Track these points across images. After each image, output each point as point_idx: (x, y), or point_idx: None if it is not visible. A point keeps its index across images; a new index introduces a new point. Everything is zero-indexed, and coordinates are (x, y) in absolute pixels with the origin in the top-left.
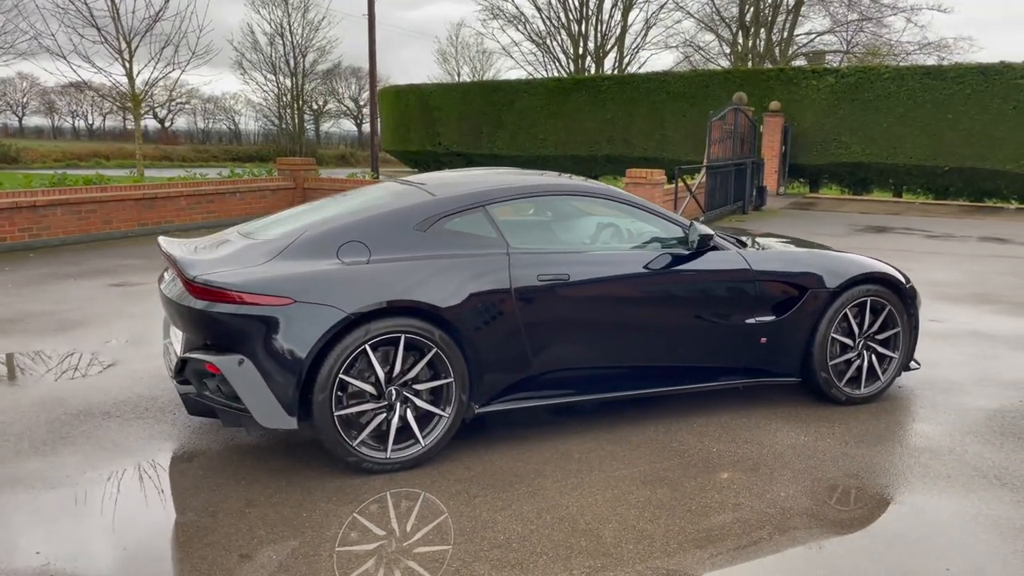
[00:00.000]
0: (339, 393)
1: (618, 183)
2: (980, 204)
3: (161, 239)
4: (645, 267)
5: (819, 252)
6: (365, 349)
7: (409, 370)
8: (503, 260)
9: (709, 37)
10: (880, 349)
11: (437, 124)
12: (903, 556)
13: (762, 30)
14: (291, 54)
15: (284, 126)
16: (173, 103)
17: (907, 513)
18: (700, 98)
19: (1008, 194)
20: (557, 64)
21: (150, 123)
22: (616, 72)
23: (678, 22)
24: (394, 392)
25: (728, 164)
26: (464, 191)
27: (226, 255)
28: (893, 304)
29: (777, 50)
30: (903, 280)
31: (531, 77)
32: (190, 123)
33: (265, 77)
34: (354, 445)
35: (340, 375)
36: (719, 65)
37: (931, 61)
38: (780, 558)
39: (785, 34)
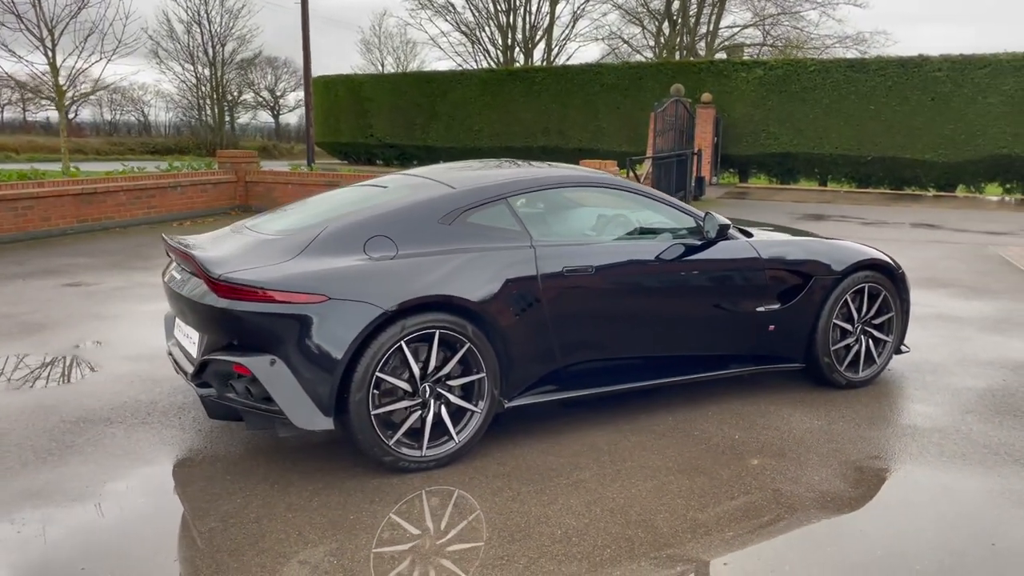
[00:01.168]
0: (375, 391)
1: None
2: (900, 192)
3: (167, 236)
4: (664, 257)
5: (821, 240)
6: (401, 346)
7: (443, 366)
8: (529, 253)
9: (635, 30)
10: (876, 334)
11: (369, 115)
12: (948, 534)
13: (689, 22)
14: (210, 43)
15: (204, 118)
16: (80, 95)
17: (938, 492)
18: (633, 90)
19: (926, 182)
20: (487, 55)
21: (52, 115)
22: (545, 63)
23: (604, 15)
24: (428, 389)
25: (671, 155)
26: (484, 183)
27: (247, 252)
28: (888, 290)
29: (703, 43)
30: (896, 266)
31: (464, 68)
32: (96, 115)
33: (183, 67)
34: (391, 444)
35: (376, 373)
36: (644, 57)
37: (851, 54)
38: (834, 542)
39: (711, 27)
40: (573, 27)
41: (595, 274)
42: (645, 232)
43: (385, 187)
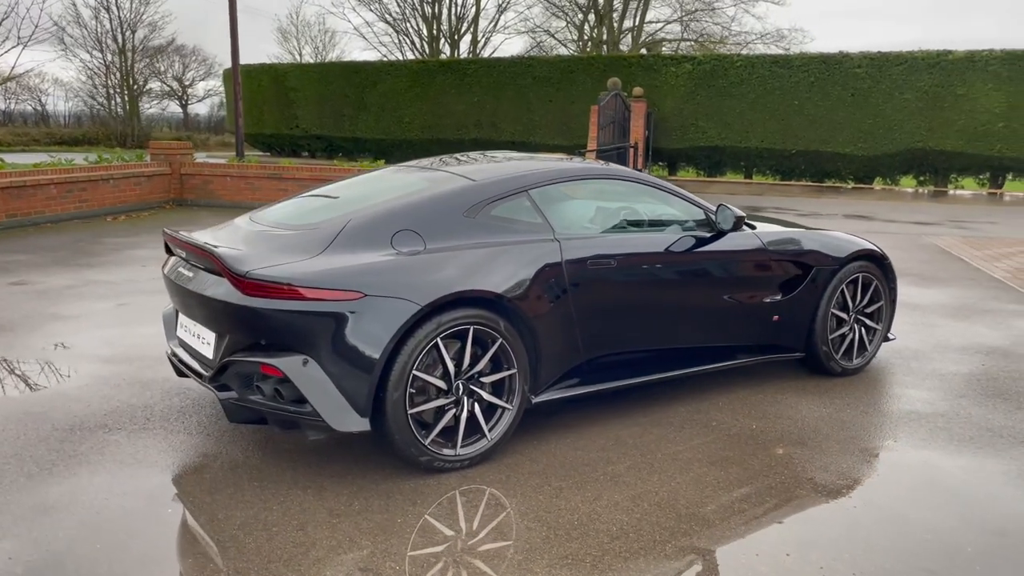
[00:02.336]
0: (411, 390)
1: None
2: (822, 184)
3: (169, 231)
4: (680, 249)
5: (819, 231)
6: (436, 343)
7: (476, 362)
8: (555, 246)
9: (560, 23)
10: (868, 322)
11: (294, 106)
12: (987, 515)
13: (613, 16)
14: (119, 29)
15: (114, 107)
16: None
17: (961, 475)
18: (565, 84)
19: (846, 175)
20: (412, 47)
21: None
22: (471, 55)
23: (530, 7)
24: (461, 386)
25: (612, 148)
26: (505, 176)
27: (270, 247)
28: (878, 279)
29: (629, 36)
30: (885, 256)
31: (390, 59)
32: None
33: (91, 54)
34: (427, 444)
35: (413, 371)
36: (569, 51)
37: (772, 51)
38: (882, 528)
39: (636, 21)
40: (499, 19)
41: (616, 267)
42: (660, 224)
43: (394, 178)
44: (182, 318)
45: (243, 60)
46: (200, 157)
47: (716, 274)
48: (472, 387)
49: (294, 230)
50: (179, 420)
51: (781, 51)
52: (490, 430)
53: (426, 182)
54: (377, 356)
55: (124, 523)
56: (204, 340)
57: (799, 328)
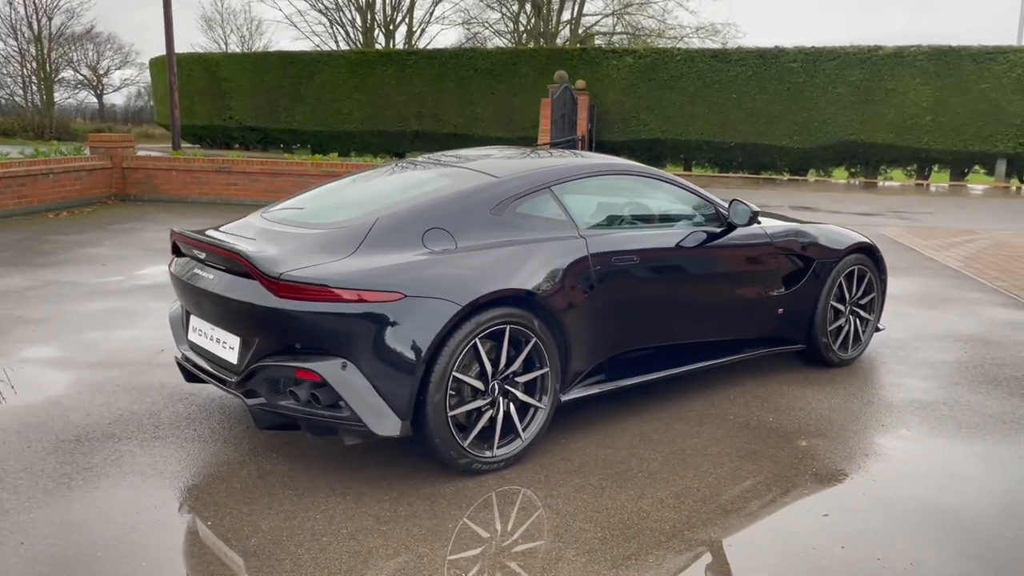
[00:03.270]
0: (451, 392)
1: None
2: (759, 176)
3: (179, 230)
4: (698, 245)
5: (817, 225)
6: (475, 343)
7: (512, 362)
8: (581, 243)
9: (496, 15)
10: (862, 313)
11: (227, 97)
12: (1017, 501)
13: (552, 7)
14: (34, 16)
15: (30, 97)
16: None
17: (980, 461)
18: (507, 75)
19: (782, 167)
20: (347, 37)
21: None
22: (407, 46)
23: None
24: (496, 386)
25: (563, 141)
26: (528, 172)
27: (298, 247)
28: (872, 271)
29: (567, 29)
30: (877, 248)
31: (331, 49)
32: None
33: (4, 42)
34: (466, 446)
35: (453, 373)
36: (504, 43)
37: (708, 44)
38: (924, 516)
39: (574, 14)
40: (434, 10)
41: (638, 263)
42: (675, 219)
43: (408, 175)
44: (195, 321)
45: (160, 50)
46: (197, 149)
47: (730, 269)
48: (507, 387)
49: (320, 228)
50: (190, 427)
51: (718, 45)
52: (524, 430)
53: (446, 179)
54: (419, 358)
55: (163, 538)
56: (226, 345)
57: (801, 320)
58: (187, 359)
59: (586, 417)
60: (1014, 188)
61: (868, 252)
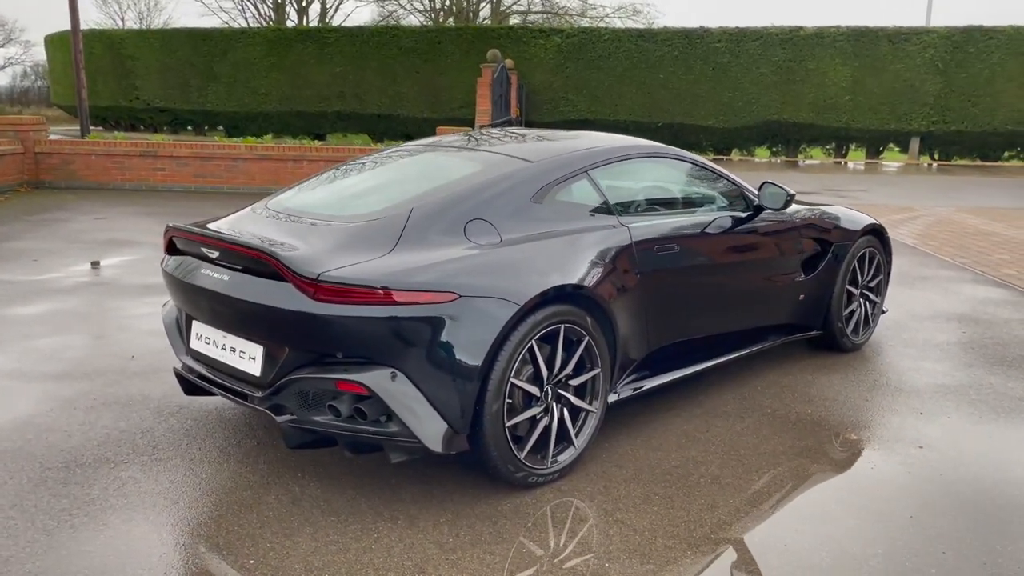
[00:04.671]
0: (508, 400)
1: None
2: None
3: (178, 224)
4: (734, 231)
5: (833, 207)
6: (532, 346)
7: (566, 364)
8: (623, 232)
9: None
10: (872, 296)
11: (133, 76)
12: None
13: None
14: None
15: None
16: None
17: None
18: (432, 54)
19: (707, 147)
20: (257, 13)
21: None
22: (321, 24)
23: None
24: (549, 391)
25: (502, 122)
26: (564, 155)
27: (330, 242)
28: (880, 253)
29: (488, 7)
30: (885, 230)
31: (244, 27)
32: None
33: None
34: (522, 458)
35: (511, 379)
36: (419, 21)
37: (629, 24)
38: (999, 505)
39: None
40: None
41: (678, 251)
42: (707, 204)
43: (430, 159)
44: (199, 327)
45: (58, 26)
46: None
47: (762, 254)
48: (559, 391)
49: (348, 221)
50: (193, 445)
51: (643, 26)
52: (577, 436)
53: (475, 164)
54: (478, 365)
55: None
56: (245, 355)
57: (819, 306)
58: (190, 370)
59: (619, 418)
60: (925, 165)
61: (877, 234)
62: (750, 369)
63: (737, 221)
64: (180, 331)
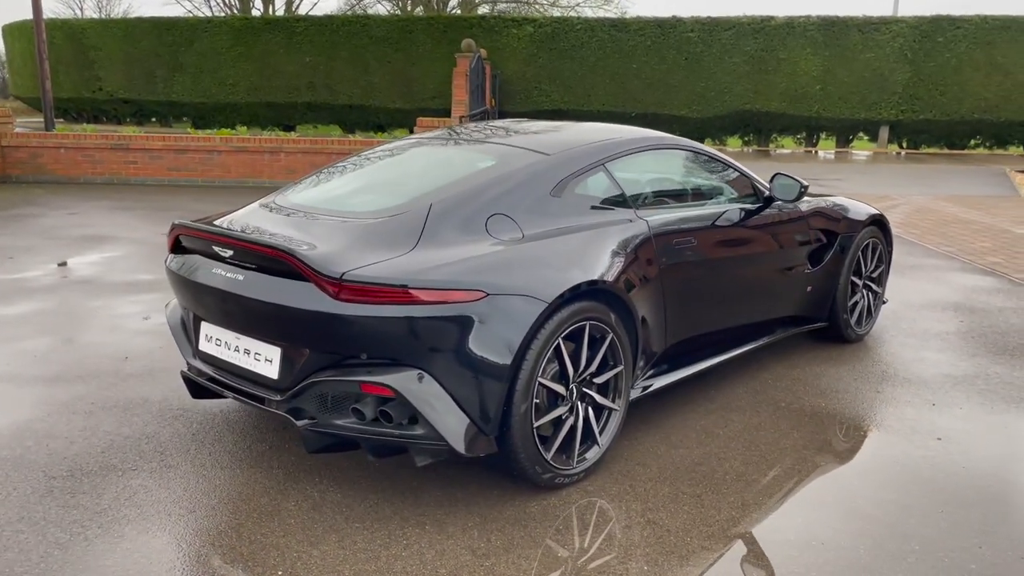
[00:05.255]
0: (536, 400)
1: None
2: None
3: (186, 221)
4: (742, 223)
5: (836, 197)
6: (559, 344)
7: (591, 362)
8: (642, 225)
9: None
10: (874, 287)
11: (96, 67)
12: None
13: None
14: None
15: None
16: None
17: None
18: (404, 43)
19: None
20: (222, 3)
21: None
22: (288, 13)
23: None
24: (574, 390)
25: (479, 113)
26: (579, 146)
27: (350, 240)
28: (882, 243)
29: None
30: (887, 220)
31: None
32: None
33: None
34: (549, 459)
35: (539, 379)
36: (387, 10)
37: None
38: (1007, 493)
39: None
40: None
41: (696, 244)
42: (719, 196)
43: (439, 152)
44: (209, 329)
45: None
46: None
47: (773, 246)
48: (584, 390)
49: (366, 217)
50: (202, 451)
51: (615, 15)
52: (600, 435)
53: (491, 157)
54: (507, 365)
55: None
56: (261, 357)
57: (825, 297)
58: (199, 373)
59: (636, 414)
60: (894, 153)
61: (880, 224)
62: (758, 362)
63: (749, 213)
64: (187, 332)
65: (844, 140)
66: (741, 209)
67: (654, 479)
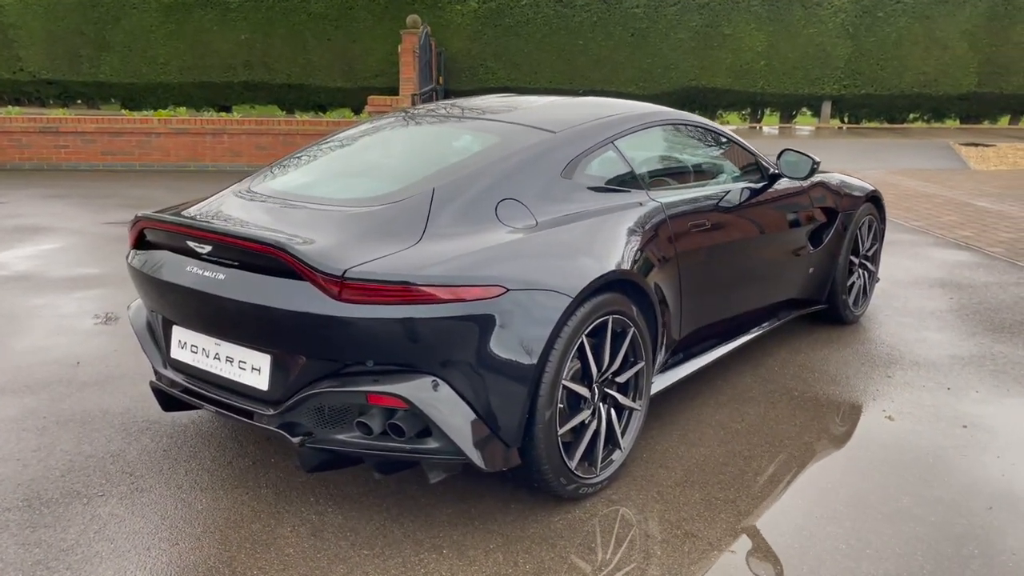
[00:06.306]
0: (560, 405)
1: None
2: None
3: (152, 214)
4: (750, 202)
5: (834, 174)
6: (582, 342)
7: (613, 360)
8: (657, 208)
9: None
10: (869, 266)
11: (16, 46)
12: None
13: None
14: None
15: None
16: None
17: None
18: (345, 21)
19: None
20: None
21: None
22: None
23: None
24: (596, 391)
25: (427, 90)
26: (585, 123)
27: (348, 232)
28: (877, 221)
29: None
30: (881, 196)
31: None
32: None
33: None
34: (574, 469)
35: (563, 382)
36: None
37: None
38: None
39: None
40: None
41: (709, 227)
42: (725, 174)
43: (430, 130)
44: (183, 334)
45: None
46: None
47: (783, 227)
48: (606, 390)
49: (364, 206)
50: (177, 471)
51: None
52: (622, 437)
53: (492, 135)
54: (532, 366)
55: None
56: (246, 365)
57: (825, 278)
58: (171, 383)
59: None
60: (836, 127)
61: (875, 201)
62: (760, 348)
63: (757, 192)
64: (155, 338)
65: (788, 116)
66: (749, 188)
67: (680, 483)
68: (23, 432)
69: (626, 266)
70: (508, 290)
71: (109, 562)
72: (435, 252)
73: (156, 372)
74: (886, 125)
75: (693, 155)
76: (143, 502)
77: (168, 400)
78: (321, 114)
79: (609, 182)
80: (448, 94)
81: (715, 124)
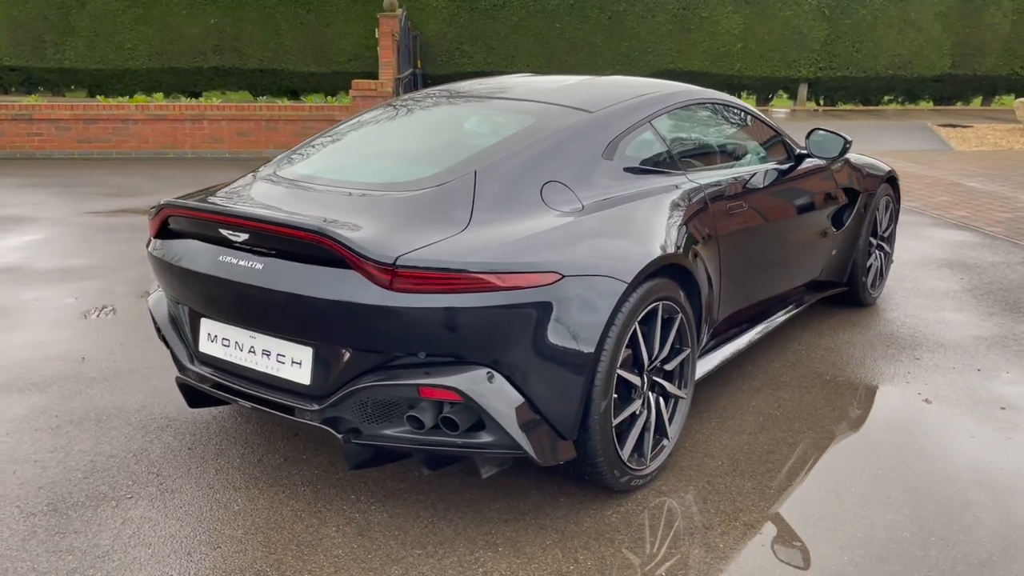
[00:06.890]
0: (615, 395)
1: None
2: None
3: (188, 203)
4: (779, 183)
5: (851, 155)
6: (635, 329)
7: (663, 347)
8: (696, 189)
9: None
10: (886, 247)
11: None
12: None
13: None
14: None
15: None
16: None
17: None
18: (317, 4)
19: None
20: None
21: None
22: None
23: None
24: (646, 380)
25: (407, 74)
26: (622, 102)
27: (390, 216)
28: (893, 201)
29: None
30: (897, 176)
31: None
32: None
33: None
34: (627, 460)
35: (618, 371)
36: None
37: None
38: None
39: None
40: None
41: (746, 209)
42: (755, 155)
43: (461, 110)
44: (213, 327)
45: None
46: None
47: (812, 208)
48: (655, 379)
49: (405, 190)
50: (205, 470)
51: None
52: (669, 426)
53: (527, 116)
54: (589, 354)
55: None
56: (286, 359)
57: (846, 260)
58: (200, 377)
59: None
60: (812, 110)
61: (892, 181)
62: (782, 332)
63: (785, 172)
64: (180, 331)
65: (764, 99)
66: (779, 169)
67: (730, 473)
68: (36, 432)
69: (674, 250)
70: (563, 276)
71: (149, 568)
72: (486, 237)
73: (181, 366)
74: (861, 107)
75: (724, 135)
76: (175, 503)
77: (195, 396)
78: (294, 100)
79: (647, 163)
80: (426, 79)
81: (742, 103)
